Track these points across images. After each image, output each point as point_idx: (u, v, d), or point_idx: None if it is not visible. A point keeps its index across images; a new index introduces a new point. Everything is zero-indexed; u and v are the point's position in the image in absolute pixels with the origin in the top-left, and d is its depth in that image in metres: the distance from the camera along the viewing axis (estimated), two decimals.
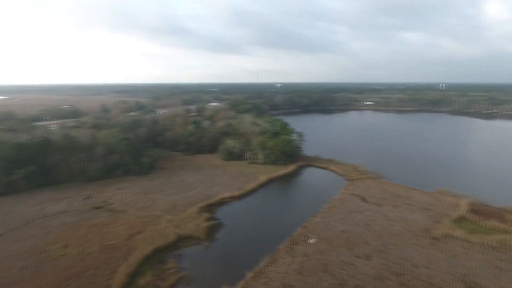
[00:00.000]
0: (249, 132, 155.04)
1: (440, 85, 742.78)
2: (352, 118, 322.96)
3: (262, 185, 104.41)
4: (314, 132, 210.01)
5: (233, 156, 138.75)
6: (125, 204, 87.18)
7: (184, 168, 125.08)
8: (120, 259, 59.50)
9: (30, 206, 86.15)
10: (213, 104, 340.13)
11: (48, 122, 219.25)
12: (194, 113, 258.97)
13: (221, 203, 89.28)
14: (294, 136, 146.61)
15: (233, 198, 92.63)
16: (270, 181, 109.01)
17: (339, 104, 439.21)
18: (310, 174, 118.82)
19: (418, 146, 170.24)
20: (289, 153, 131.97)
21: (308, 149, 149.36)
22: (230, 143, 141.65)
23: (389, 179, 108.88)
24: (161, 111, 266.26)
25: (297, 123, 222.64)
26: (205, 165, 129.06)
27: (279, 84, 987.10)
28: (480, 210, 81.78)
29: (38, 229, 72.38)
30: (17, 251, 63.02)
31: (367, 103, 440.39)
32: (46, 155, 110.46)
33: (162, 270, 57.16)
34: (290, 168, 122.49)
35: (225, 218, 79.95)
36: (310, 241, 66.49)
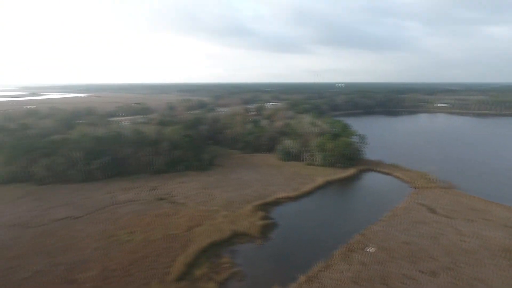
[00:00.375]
0: (307, 133, 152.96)
1: None
2: (421, 121, 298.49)
3: (319, 188, 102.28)
4: (377, 135, 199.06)
5: (290, 156, 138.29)
6: (186, 197, 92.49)
7: (242, 166, 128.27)
8: (179, 249, 63.35)
9: (104, 194, 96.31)
10: (272, 103, 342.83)
11: (121, 118, 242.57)
12: (253, 112, 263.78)
13: (277, 203, 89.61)
14: (355, 139, 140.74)
15: (288, 199, 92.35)
16: (328, 184, 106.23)
17: (407, 105, 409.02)
18: (371, 179, 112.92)
19: (500, 155, 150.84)
20: (349, 156, 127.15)
21: (371, 153, 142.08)
22: (288, 143, 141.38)
23: (464, 190, 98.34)
24: (221, 110, 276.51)
25: (359, 125, 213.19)
26: (262, 164, 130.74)
27: (341, 84, 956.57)
28: None
29: (110, 215, 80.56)
30: (91, 233, 70.95)
31: (440, 105, 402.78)
32: (119, 148, 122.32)
33: (217, 263, 59.43)
34: (350, 171, 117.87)
35: (280, 218, 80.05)
36: (368, 250, 63.22)
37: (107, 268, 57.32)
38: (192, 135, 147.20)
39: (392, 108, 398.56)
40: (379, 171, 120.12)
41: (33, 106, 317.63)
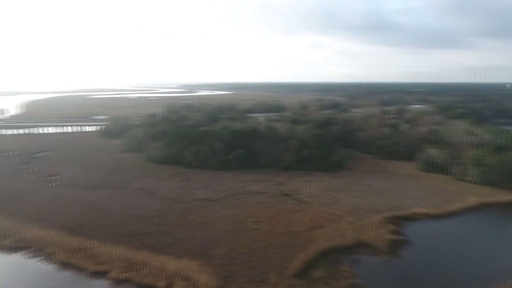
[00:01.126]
0: (460, 142, 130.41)
1: None
2: None
3: (470, 209, 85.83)
4: None
5: (433, 167, 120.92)
6: (310, 196, 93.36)
7: (373, 172, 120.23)
8: (299, 246, 64.60)
9: (237, 182, 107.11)
10: (415, 106, 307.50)
11: (257, 115, 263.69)
12: (391, 115, 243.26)
13: (412, 218, 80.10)
14: None
15: (427, 216, 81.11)
16: (483, 207, 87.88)
17: None
18: None
19: None
20: None
21: None
22: (433, 152, 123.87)
23: None
24: (356, 111, 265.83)
25: None
26: (397, 173, 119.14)
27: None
28: None
29: (241, 202, 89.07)
30: (224, 216, 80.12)
31: None
32: (253, 142, 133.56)
33: (336, 269, 57.76)
34: None
35: (414, 236, 71.23)
36: None
37: (234, 249, 63.71)
38: (322, 135, 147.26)
39: None
40: None
41: (189, 101, 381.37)
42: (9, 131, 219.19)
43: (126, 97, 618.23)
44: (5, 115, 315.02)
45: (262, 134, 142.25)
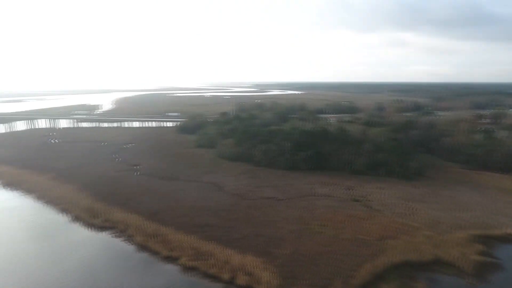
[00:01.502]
0: None
1: None
2: None
3: None
4: None
5: None
6: (383, 204, 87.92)
7: (459, 183, 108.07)
8: (367, 256, 61.39)
9: (304, 184, 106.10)
10: None
11: (328, 115, 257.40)
12: (486, 120, 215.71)
13: (506, 239, 70.03)
14: None
15: None
16: None
17: None
18: None
19: None
20: None
21: None
22: None
23: None
24: (441, 114, 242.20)
25: None
26: (490, 186, 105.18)
27: None
28: None
29: (307, 204, 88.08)
30: (289, 216, 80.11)
31: None
32: (323, 143, 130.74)
33: (409, 286, 53.45)
34: None
35: (508, 260, 62.18)
36: None
37: (298, 251, 63.36)
38: (399, 139, 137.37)
39: None
40: None
41: (260, 100, 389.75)
42: (104, 124, 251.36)
43: (202, 95, 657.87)
44: (100, 110, 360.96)
45: (333, 135, 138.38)
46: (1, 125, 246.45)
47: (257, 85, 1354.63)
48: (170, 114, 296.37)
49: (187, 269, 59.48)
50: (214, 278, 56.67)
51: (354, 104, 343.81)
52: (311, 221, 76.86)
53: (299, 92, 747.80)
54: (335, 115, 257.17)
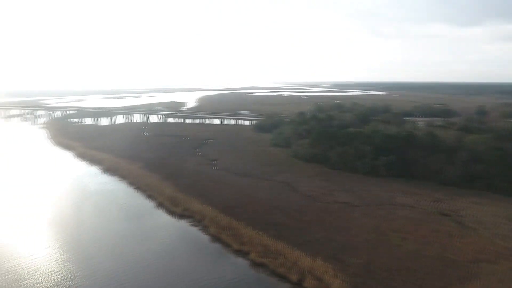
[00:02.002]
0: None
1: None
2: None
3: None
4: None
5: None
6: (479, 222, 77.41)
7: None
8: (455, 278, 54.77)
9: (384, 191, 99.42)
10: None
11: (417, 118, 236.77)
12: None
13: None
14: None
15: None
16: None
17: None
18: None
19: None
20: None
21: None
22: None
23: None
24: None
25: None
26: None
27: None
28: None
29: (385, 213, 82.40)
30: (365, 224, 75.92)
31: None
32: (408, 149, 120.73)
33: None
34: None
35: None
36: None
37: (373, 262, 59.73)
38: (505, 149, 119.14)
39: None
40: None
41: (339, 101, 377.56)
42: (187, 120, 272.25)
43: (279, 95, 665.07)
44: (185, 107, 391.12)
45: (421, 141, 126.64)
46: (106, 118, 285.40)
47: (336, 85, 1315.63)
48: (241, 112, 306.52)
49: (256, 265, 60.86)
50: (282, 277, 56.91)
51: (449, 106, 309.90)
52: (389, 232, 71.71)
53: (384, 93, 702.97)
54: (425, 119, 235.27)
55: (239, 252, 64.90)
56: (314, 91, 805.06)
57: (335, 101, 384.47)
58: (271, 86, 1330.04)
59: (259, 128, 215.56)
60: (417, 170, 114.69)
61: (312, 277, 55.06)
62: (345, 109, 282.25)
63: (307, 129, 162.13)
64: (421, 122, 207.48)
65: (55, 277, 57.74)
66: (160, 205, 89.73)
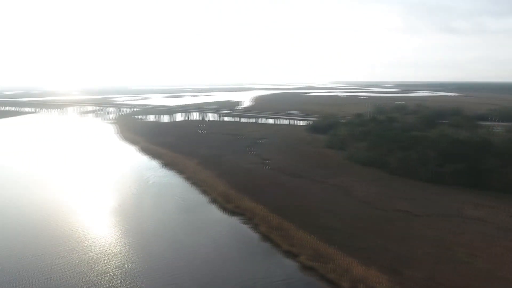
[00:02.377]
0: None
1: None
2: None
3: None
4: None
5: None
6: None
7: None
8: None
9: (450, 201, 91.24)
10: None
11: (493, 123, 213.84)
12: None
13: None
14: None
15: None
16: None
17: None
18: None
19: None
20: None
21: None
22: None
23: None
24: None
25: None
26: None
27: None
28: None
29: (451, 226, 75.55)
30: (426, 236, 70.34)
31: None
32: (481, 157, 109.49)
33: None
34: None
35: None
36: None
37: (434, 278, 55.04)
38: None
39: None
40: None
41: (402, 102, 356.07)
42: (242, 119, 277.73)
43: (336, 95, 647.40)
44: (240, 106, 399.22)
45: (497, 148, 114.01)
46: (167, 115, 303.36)
47: (399, 85, 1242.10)
48: (290, 112, 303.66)
49: (306, 268, 59.81)
50: (332, 283, 55.18)
51: None
52: (454, 247, 65.62)
53: (454, 94, 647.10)
54: (504, 124, 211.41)
55: (289, 253, 64.34)
56: (374, 92, 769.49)
57: (396, 102, 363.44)
58: (328, 86, 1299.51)
59: (313, 128, 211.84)
60: (492, 181, 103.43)
61: (364, 287, 52.56)
62: (408, 111, 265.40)
63: (364, 131, 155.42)
64: (498, 127, 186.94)
65: (118, 260, 62.72)
66: (213, 200, 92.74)
